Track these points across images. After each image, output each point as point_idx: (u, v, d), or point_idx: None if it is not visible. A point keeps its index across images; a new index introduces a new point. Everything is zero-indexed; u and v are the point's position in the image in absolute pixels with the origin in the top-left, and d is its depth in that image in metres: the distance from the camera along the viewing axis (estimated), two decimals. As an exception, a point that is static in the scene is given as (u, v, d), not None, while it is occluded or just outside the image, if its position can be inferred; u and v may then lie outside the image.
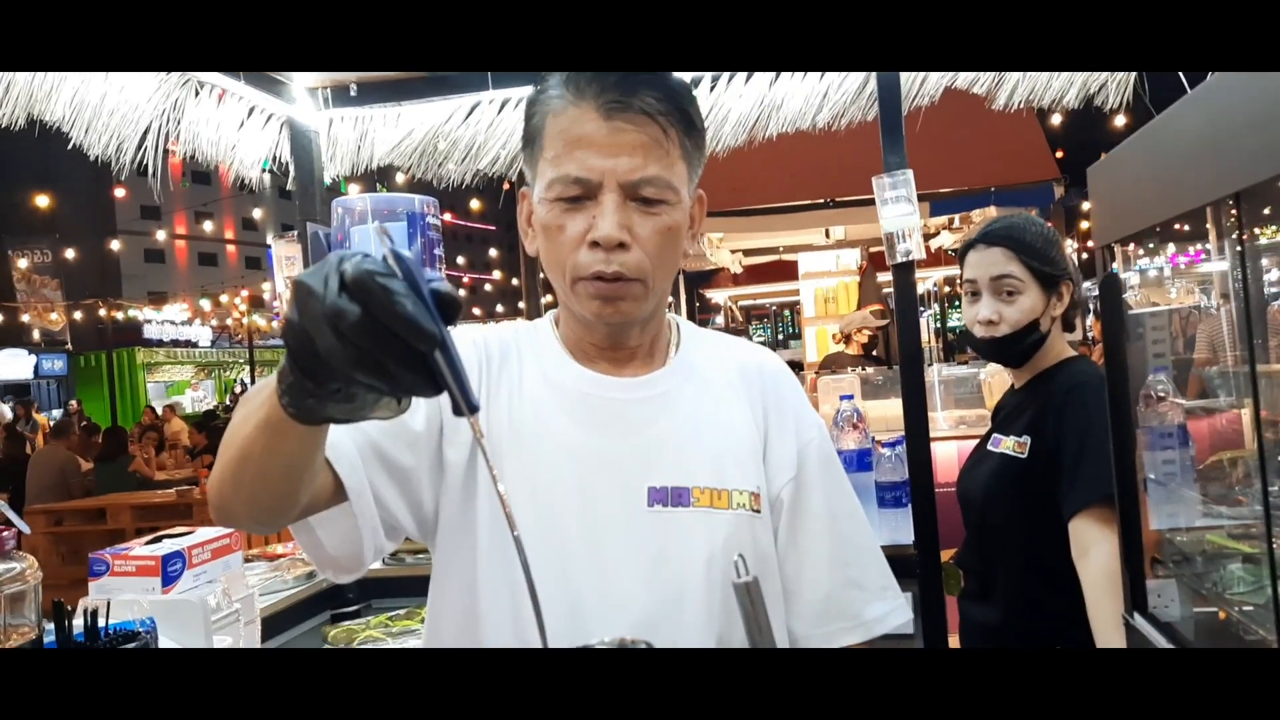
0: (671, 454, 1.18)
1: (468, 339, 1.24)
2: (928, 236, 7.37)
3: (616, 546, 1.14)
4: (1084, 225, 13.37)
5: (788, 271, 8.87)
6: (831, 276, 8.14)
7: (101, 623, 1.39)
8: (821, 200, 6.15)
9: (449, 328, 0.70)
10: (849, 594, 1.25)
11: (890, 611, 1.27)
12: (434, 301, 0.70)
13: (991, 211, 6.13)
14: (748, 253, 8.48)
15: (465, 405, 0.69)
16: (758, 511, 1.20)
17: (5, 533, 1.27)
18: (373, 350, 0.69)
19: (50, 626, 1.36)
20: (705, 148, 1.20)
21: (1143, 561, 1.31)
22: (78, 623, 1.38)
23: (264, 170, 2.52)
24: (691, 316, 10.65)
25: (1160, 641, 1.19)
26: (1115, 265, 1.34)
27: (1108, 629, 1.58)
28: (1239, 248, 0.93)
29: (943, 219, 6.66)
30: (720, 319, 14.12)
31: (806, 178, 5.48)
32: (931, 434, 4.96)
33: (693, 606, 1.13)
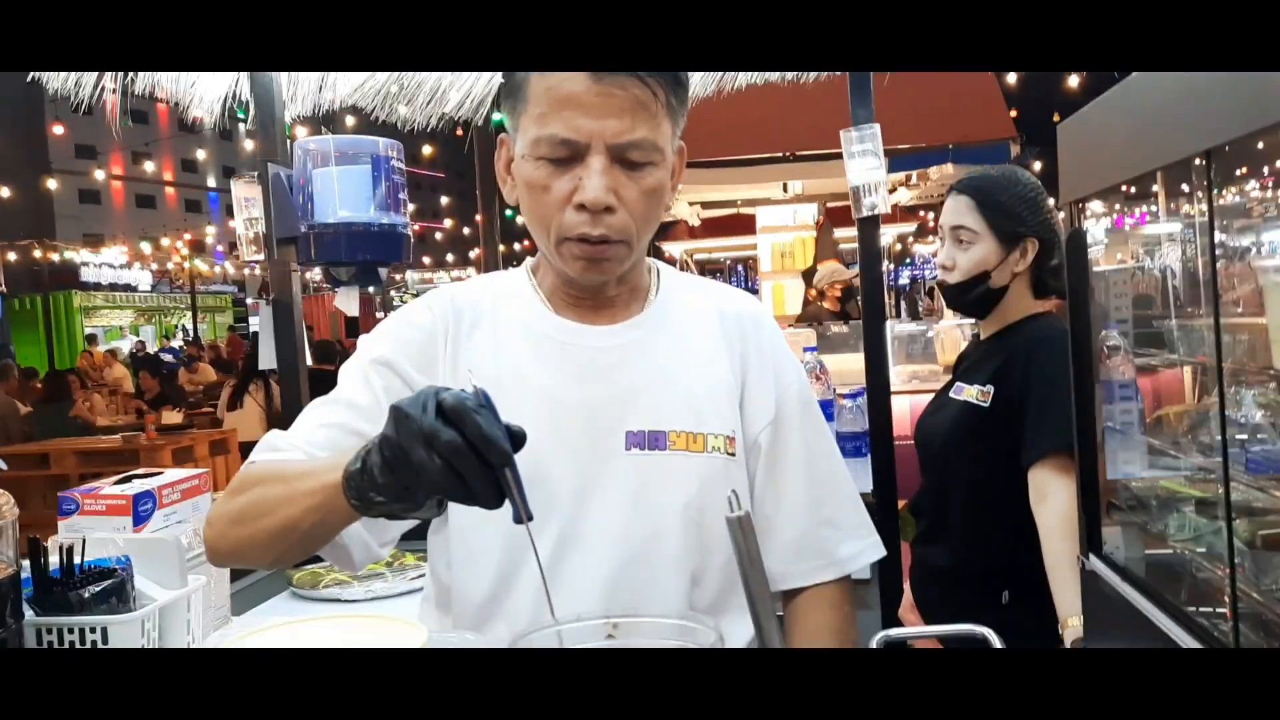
0: (647, 399, 1.21)
1: (439, 309, 1.26)
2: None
3: (597, 488, 1.18)
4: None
5: (745, 225, 8.89)
6: (788, 231, 8.18)
7: (77, 560, 1.39)
8: (781, 154, 6.16)
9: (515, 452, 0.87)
10: (824, 533, 1.30)
11: (863, 550, 1.32)
12: (506, 432, 0.87)
13: (948, 169, 6.20)
14: (705, 206, 8.48)
15: (525, 514, 0.86)
16: (733, 454, 1.23)
17: (-19, 469, 1.26)
18: (456, 464, 0.84)
19: (26, 564, 1.36)
20: (688, 99, 1.21)
21: (1099, 507, 1.36)
22: (54, 560, 1.38)
23: (240, 119, 2.47)
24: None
25: (1114, 580, 1.25)
26: (1093, 220, 1.38)
27: (1063, 570, 1.65)
28: (1207, 206, 0.97)
29: (900, 175, 6.72)
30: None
31: (766, 131, 5.49)
32: (899, 387, 5.07)
33: (669, 544, 1.18)
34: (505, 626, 1.16)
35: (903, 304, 15.22)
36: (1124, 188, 1.22)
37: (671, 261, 13.24)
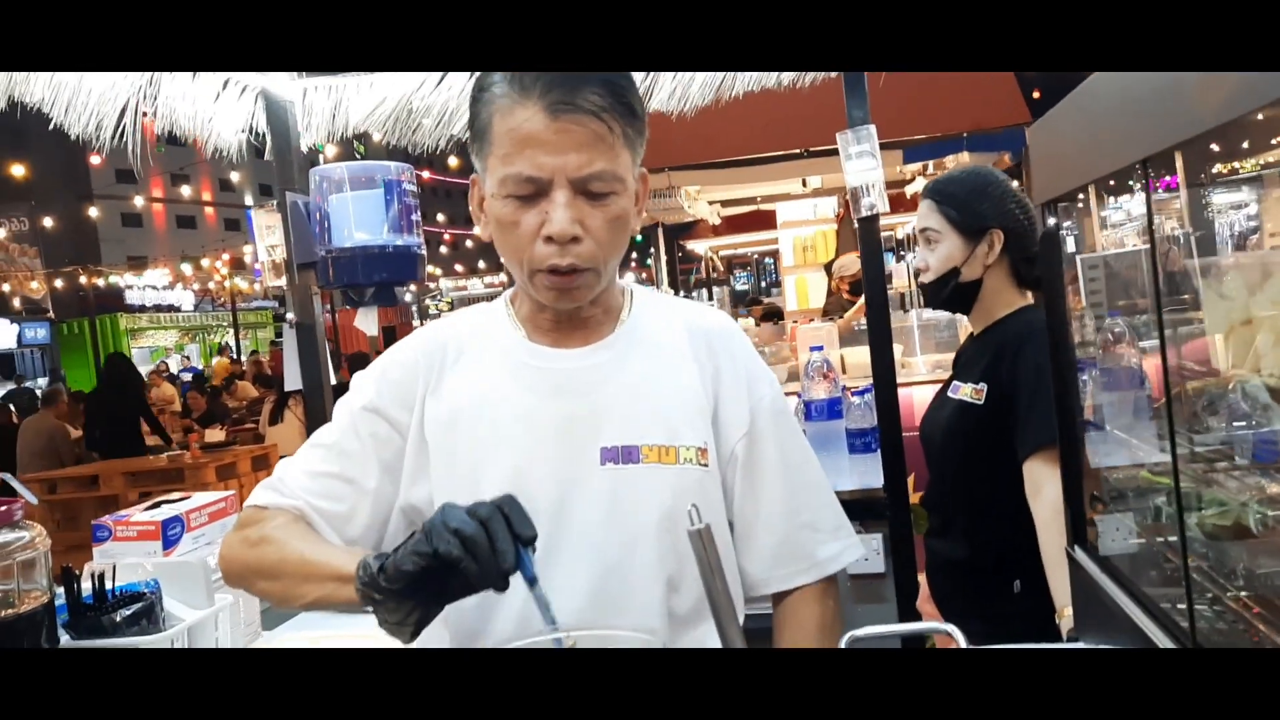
0: (620, 415, 1.27)
1: (425, 347, 1.34)
2: (902, 183, 7.41)
3: (575, 502, 1.24)
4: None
5: (766, 221, 8.91)
6: (809, 225, 8.19)
7: (108, 585, 1.47)
8: (797, 150, 6.17)
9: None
10: (803, 535, 1.35)
11: (843, 550, 1.37)
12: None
13: (965, 157, 6.17)
14: (725, 203, 8.50)
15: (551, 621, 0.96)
16: (705, 465, 1.28)
17: (15, 504, 1.34)
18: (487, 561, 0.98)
19: (60, 591, 1.45)
20: (646, 131, 1.26)
21: (1083, 500, 1.40)
22: (86, 586, 1.47)
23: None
24: (672, 268, 10.68)
25: (1095, 572, 1.28)
26: (1095, 213, 1.41)
27: (1056, 562, 1.69)
28: (1146, 209, 1.00)
29: (917, 165, 6.70)
30: (701, 270, 14.14)
31: (781, 128, 5.50)
32: (910, 379, 5.07)
33: (646, 553, 1.24)
34: (453, 633, 1.27)
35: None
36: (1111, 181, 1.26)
37: (698, 259, 13.28)
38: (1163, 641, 1.02)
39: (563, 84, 1.14)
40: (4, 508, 1.33)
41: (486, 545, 0.97)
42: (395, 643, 1.03)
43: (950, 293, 2.03)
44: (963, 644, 0.91)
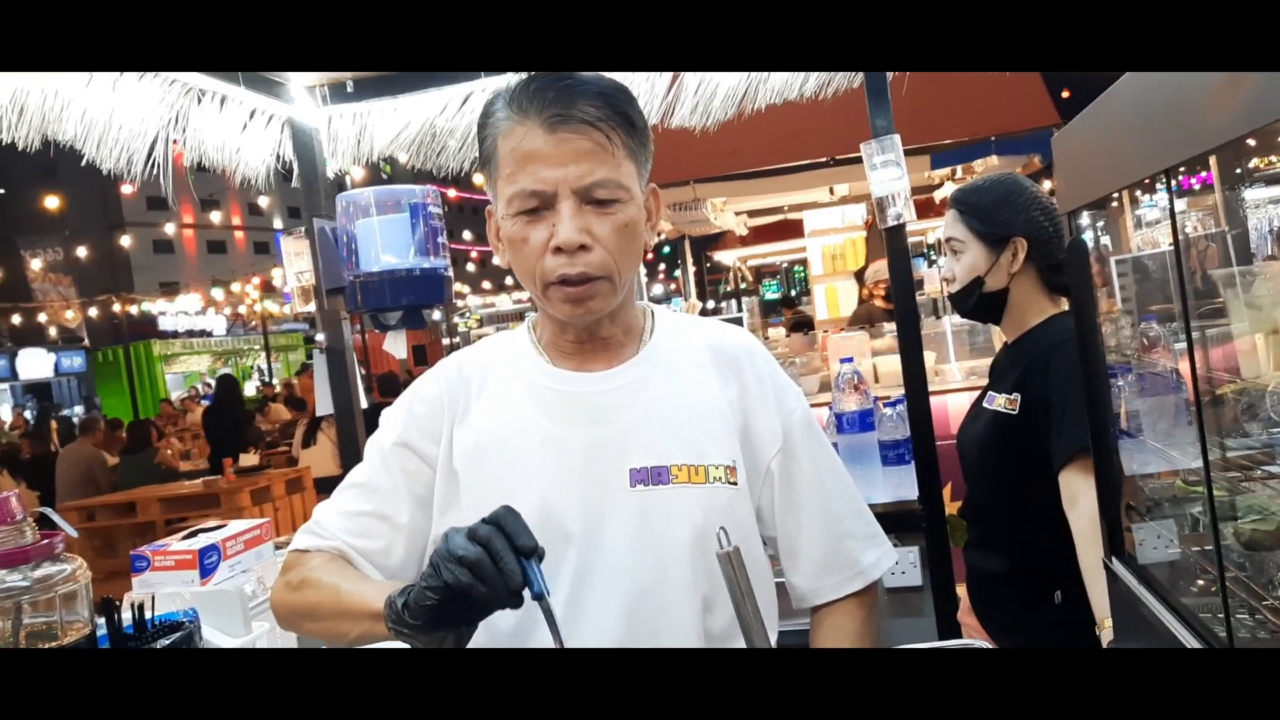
0: (647, 437, 1.27)
1: (449, 378, 1.35)
2: (931, 188, 7.38)
3: (605, 526, 1.24)
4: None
5: (794, 230, 8.90)
6: (838, 233, 8.17)
7: (148, 615, 1.49)
8: (823, 159, 6.17)
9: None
10: (845, 545, 1.36)
11: (881, 557, 1.38)
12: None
13: (993, 161, 6.14)
14: (752, 214, 8.51)
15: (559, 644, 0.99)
16: (734, 484, 1.28)
17: (56, 537, 1.36)
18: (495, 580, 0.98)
19: (101, 621, 1.46)
20: (651, 144, 1.26)
21: (1119, 511, 1.38)
22: (126, 616, 1.48)
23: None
24: (701, 280, 10.68)
25: (1132, 582, 1.27)
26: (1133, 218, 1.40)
27: (1095, 573, 1.66)
28: (1170, 222, 0.99)
29: (945, 170, 6.68)
30: (730, 280, 14.14)
31: (805, 138, 5.50)
32: (945, 386, 5.03)
33: (679, 574, 1.23)
34: None
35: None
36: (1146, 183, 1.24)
37: (725, 269, 13.29)
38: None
39: (558, 100, 1.16)
40: (45, 541, 1.35)
41: (491, 567, 0.97)
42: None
43: (976, 302, 2.02)
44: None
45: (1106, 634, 1.61)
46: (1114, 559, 1.40)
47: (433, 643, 1.03)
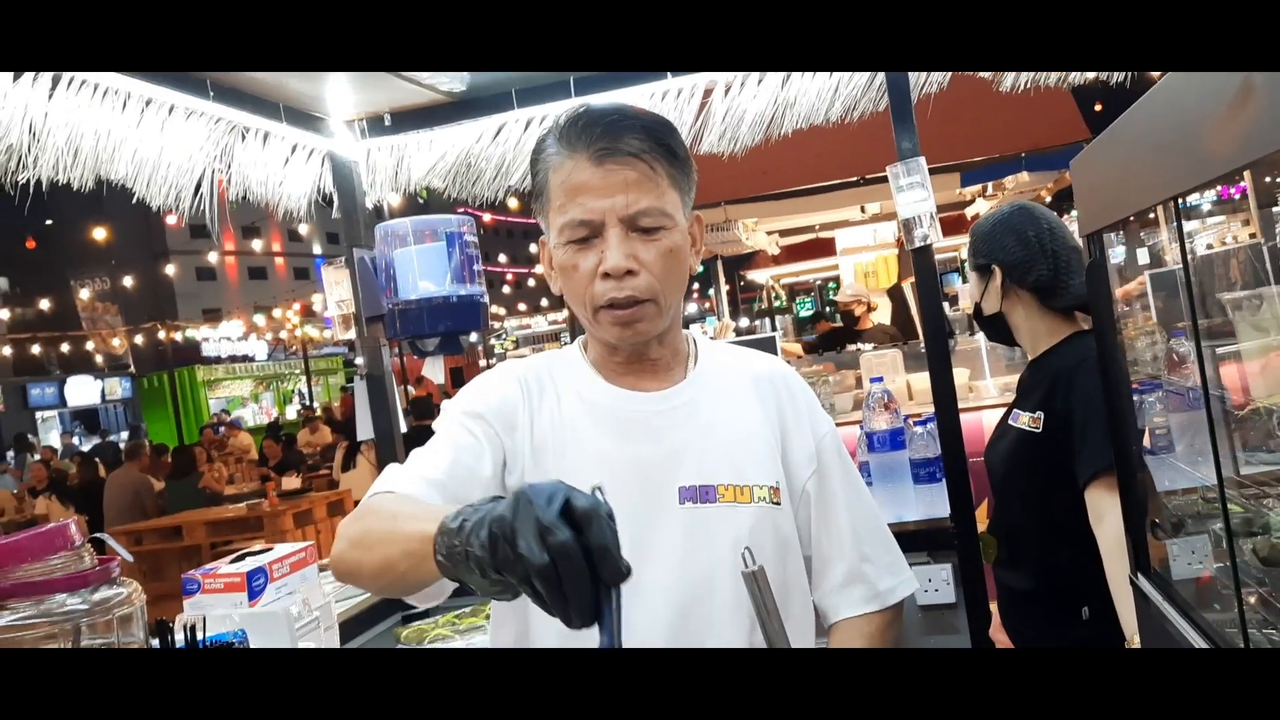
0: (696, 457, 1.32)
1: (515, 378, 1.39)
2: (962, 205, 7.37)
3: (654, 541, 1.28)
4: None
5: (826, 248, 8.92)
6: (869, 251, 8.18)
7: (199, 636, 1.55)
8: (854, 178, 6.19)
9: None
10: (864, 568, 1.40)
11: (899, 585, 1.42)
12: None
13: (1024, 177, 6.14)
14: (784, 233, 8.54)
15: (616, 642, 0.82)
16: (777, 504, 1.33)
17: (112, 561, 1.43)
18: (561, 567, 0.81)
19: (155, 642, 1.52)
20: (693, 174, 1.33)
21: (1144, 527, 1.40)
22: (179, 637, 1.54)
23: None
24: (734, 299, 10.70)
25: (1157, 599, 1.28)
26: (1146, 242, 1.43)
27: (1122, 590, 1.68)
28: (1179, 246, 1.02)
29: (976, 187, 6.67)
30: (763, 299, 14.14)
31: (834, 158, 5.53)
32: (979, 402, 5.00)
33: (725, 589, 1.26)
34: None
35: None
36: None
37: (758, 288, 13.29)
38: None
39: (605, 134, 1.23)
40: (102, 567, 1.41)
41: (576, 571, 0.81)
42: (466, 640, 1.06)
43: (983, 326, 2.14)
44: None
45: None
46: (1139, 575, 1.41)
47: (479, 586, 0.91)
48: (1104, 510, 1.77)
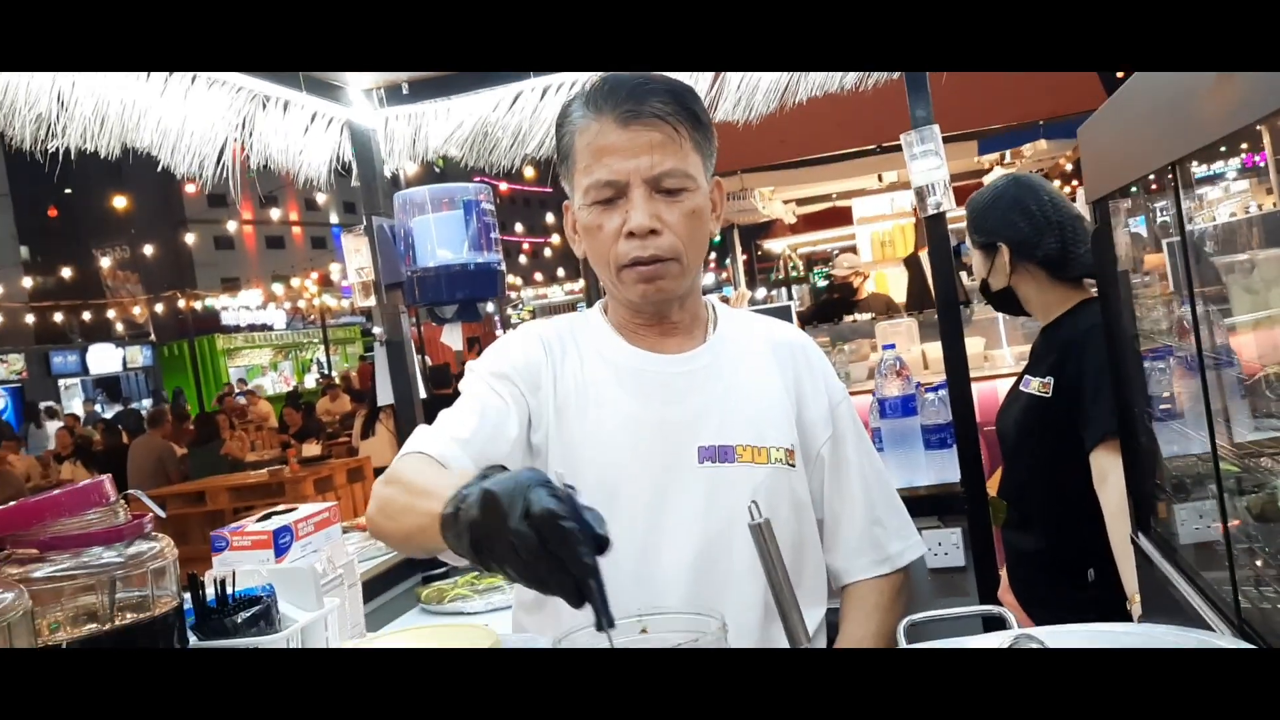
0: (716, 418, 1.36)
1: (539, 338, 1.43)
2: (980, 173, 7.33)
3: (672, 498, 1.33)
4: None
5: (843, 217, 8.88)
6: (886, 220, 8.15)
7: (229, 590, 1.61)
8: (870, 147, 6.17)
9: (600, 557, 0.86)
10: (875, 531, 1.44)
11: (907, 548, 1.46)
12: (591, 537, 0.86)
13: (1042, 145, 6.10)
14: (801, 202, 8.51)
15: (606, 622, 0.85)
16: (792, 466, 1.38)
17: (144, 517, 1.48)
18: (538, 568, 0.85)
19: (187, 596, 1.58)
20: (714, 139, 1.37)
21: (1148, 487, 1.43)
22: (209, 591, 1.60)
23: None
24: (751, 269, 10.70)
25: (1158, 559, 1.32)
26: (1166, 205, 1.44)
27: (1124, 550, 1.72)
28: (1175, 209, 1.04)
29: (994, 155, 6.63)
30: (780, 269, 14.11)
31: (851, 127, 5.52)
32: (995, 371, 5.01)
33: (740, 549, 1.30)
34: (555, 623, 1.30)
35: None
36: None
37: (775, 258, 13.26)
38: (1215, 623, 1.06)
39: (630, 97, 1.27)
40: (136, 521, 1.47)
41: (551, 558, 0.85)
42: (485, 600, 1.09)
43: (992, 300, 2.15)
44: (1015, 626, 0.97)
45: (1135, 609, 1.66)
46: (1140, 535, 1.45)
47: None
48: (1107, 471, 1.81)
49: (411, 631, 1.08)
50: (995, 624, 1.07)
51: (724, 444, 1.35)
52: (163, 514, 1.53)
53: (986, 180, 7.29)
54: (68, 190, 28.77)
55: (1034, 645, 0.82)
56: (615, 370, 1.39)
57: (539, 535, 0.84)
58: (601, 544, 0.87)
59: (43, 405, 22.45)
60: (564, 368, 1.40)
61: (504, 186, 12.38)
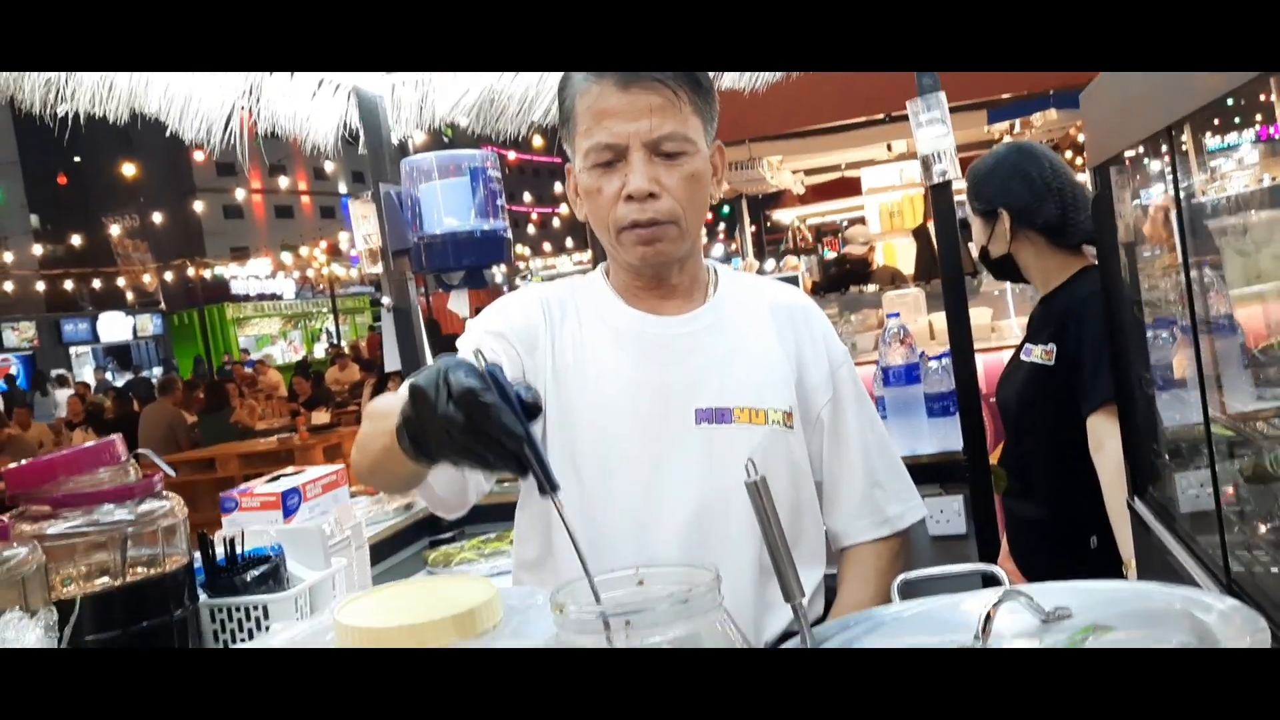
0: (714, 380, 1.37)
1: (538, 300, 1.44)
2: (990, 143, 7.28)
3: (670, 459, 1.35)
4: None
5: (852, 188, 8.86)
6: (895, 190, 8.12)
7: (239, 550, 1.64)
8: (880, 116, 6.13)
9: (533, 423, 0.90)
10: (875, 494, 1.45)
11: (907, 511, 1.47)
12: (520, 405, 0.89)
13: (1052, 114, 6.06)
14: (809, 172, 8.48)
15: (549, 486, 0.89)
16: (790, 428, 1.39)
17: (155, 476, 1.51)
18: (473, 447, 0.88)
19: (198, 555, 1.61)
20: (715, 103, 1.37)
21: (1144, 452, 1.45)
22: (219, 550, 1.63)
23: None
24: (759, 239, 10.68)
25: (1155, 525, 1.33)
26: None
27: (1120, 516, 1.73)
28: (1171, 172, 1.05)
29: (1004, 125, 6.59)
30: (789, 240, 14.08)
31: (859, 95, 5.48)
32: (1002, 342, 5.01)
33: (737, 508, 1.33)
34: (555, 580, 1.32)
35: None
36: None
37: (783, 229, 13.23)
38: (1206, 585, 1.08)
39: None
40: (146, 480, 1.50)
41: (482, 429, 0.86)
42: (463, 596, 1.03)
43: (992, 268, 2.14)
44: (1007, 584, 0.98)
45: (1131, 574, 1.68)
46: (1136, 499, 1.46)
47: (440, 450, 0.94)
48: (1104, 437, 1.82)
49: (414, 582, 1.10)
50: (990, 583, 1.09)
51: (722, 405, 1.36)
52: (173, 473, 1.56)
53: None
54: (77, 158, 28.77)
55: (1022, 599, 0.84)
56: (615, 333, 1.40)
57: (466, 414, 0.86)
58: (531, 410, 0.90)
59: (54, 373, 22.60)
60: (563, 330, 1.41)
61: (512, 156, 12.34)
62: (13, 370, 24.54)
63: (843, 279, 6.87)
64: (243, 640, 1.52)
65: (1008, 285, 5.76)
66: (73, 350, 29.04)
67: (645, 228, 1.30)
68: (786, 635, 1.35)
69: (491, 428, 0.87)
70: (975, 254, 2.17)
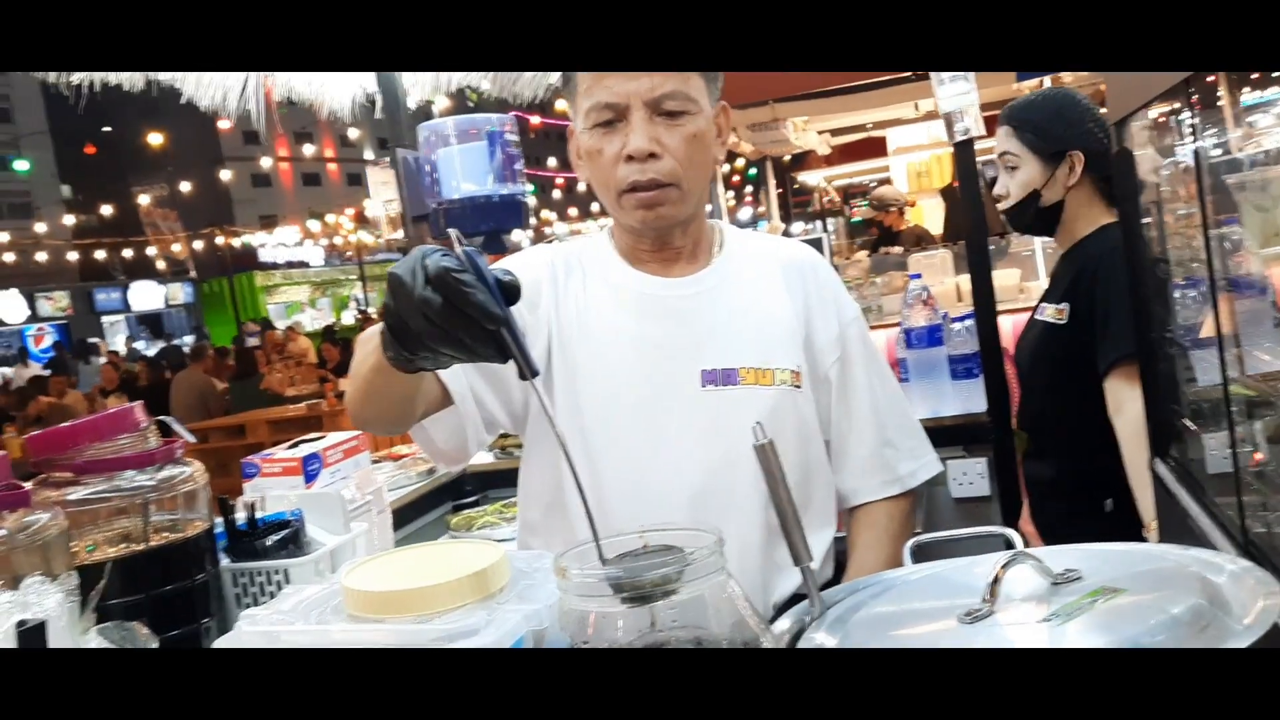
0: (720, 341, 1.36)
1: (542, 259, 1.43)
2: (1018, 100, 7.16)
3: (676, 422, 1.34)
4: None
5: (878, 148, 8.73)
6: (923, 150, 8.00)
7: (259, 515, 1.66)
8: (906, 74, 6.03)
9: (510, 308, 0.88)
10: (886, 452, 1.44)
11: (919, 469, 1.46)
12: (498, 288, 0.87)
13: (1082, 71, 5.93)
14: (835, 132, 8.36)
15: (528, 371, 0.88)
16: (799, 387, 1.38)
17: (176, 443, 1.53)
18: (453, 329, 0.86)
19: (219, 520, 1.63)
20: None
21: (1166, 413, 1.43)
22: (240, 515, 1.65)
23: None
24: (785, 202, 10.58)
25: (1176, 487, 1.31)
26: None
27: (1140, 477, 1.71)
28: (1191, 126, 1.03)
29: (1033, 81, 6.46)
30: (816, 202, 13.94)
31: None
32: (1029, 303, 4.95)
33: (744, 470, 1.31)
34: (560, 542, 1.32)
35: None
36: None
37: (809, 191, 13.10)
38: (1225, 547, 1.06)
39: None
40: (167, 446, 1.51)
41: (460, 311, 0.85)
42: (470, 559, 1.03)
43: (1032, 217, 2.05)
44: (1020, 546, 0.97)
45: (1153, 536, 1.66)
46: (1158, 461, 1.44)
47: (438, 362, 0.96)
48: (1123, 400, 1.79)
49: (425, 546, 1.11)
50: (1009, 546, 1.08)
51: (727, 367, 1.35)
52: (193, 439, 1.57)
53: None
54: (106, 128, 28.96)
55: (1031, 562, 0.83)
56: (618, 295, 1.39)
57: (443, 295, 0.85)
58: (510, 293, 0.88)
59: (89, 341, 22.92)
60: (567, 291, 1.40)
61: (536, 120, 12.27)
62: (47, 341, 24.91)
63: (877, 242, 6.81)
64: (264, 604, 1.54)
65: (1037, 245, 5.68)
66: (105, 319, 29.42)
67: (646, 190, 1.29)
68: (795, 598, 1.35)
69: (470, 308, 0.85)
70: (1011, 197, 2.03)
